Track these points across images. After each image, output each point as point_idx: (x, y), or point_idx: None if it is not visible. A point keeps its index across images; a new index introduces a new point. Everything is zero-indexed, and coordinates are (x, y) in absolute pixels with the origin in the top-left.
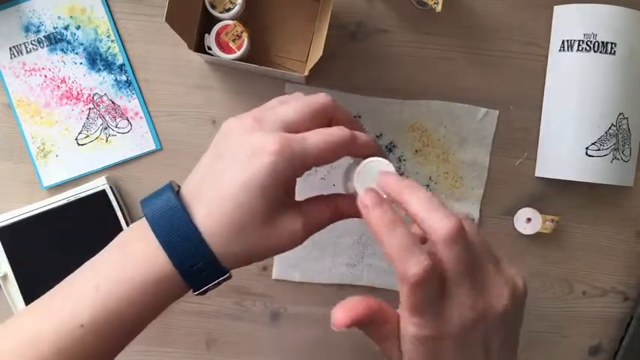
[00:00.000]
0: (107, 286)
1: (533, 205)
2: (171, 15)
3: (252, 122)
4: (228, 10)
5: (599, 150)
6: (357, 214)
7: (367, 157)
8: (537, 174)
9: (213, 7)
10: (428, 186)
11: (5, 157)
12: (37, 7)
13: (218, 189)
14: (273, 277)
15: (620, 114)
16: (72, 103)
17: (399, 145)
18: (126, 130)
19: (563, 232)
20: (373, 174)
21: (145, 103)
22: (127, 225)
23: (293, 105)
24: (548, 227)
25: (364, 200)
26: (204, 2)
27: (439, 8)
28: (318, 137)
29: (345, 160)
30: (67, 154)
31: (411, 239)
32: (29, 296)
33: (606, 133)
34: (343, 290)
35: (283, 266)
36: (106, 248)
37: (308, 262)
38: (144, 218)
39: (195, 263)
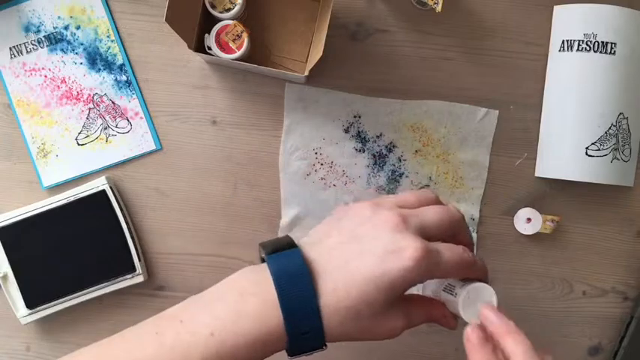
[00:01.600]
0: (221, 335)
1: (533, 205)
2: (171, 15)
3: (398, 219)
4: (228, 10)
5: (599, 150)
6: (448, 323)
7: (473, 280)
8: (537, 174)
9: (213, 7)
10: (428, 186)
11: (5, 157)
12: (37, 7)
13: (348, 272)
14: None
15: (620, 114)
16: (72, 103)
17: (399, 145)
18: (126, 130)
19: (563, 232)
20: (477, 301)
21: (145, 103)
22: (127, 225)
23: (436, 213)
24: (548, 227)
25: (470, 336)
26: (204, 2)
27: (439, 8)
28: (452, 255)
29: None
30: (67, 154)
31: None
32: (29, 296)
33: (606, 133)
34: None
35: None
36: (220, 289)
37: None
38: (263, 267)
39: (305, 332)
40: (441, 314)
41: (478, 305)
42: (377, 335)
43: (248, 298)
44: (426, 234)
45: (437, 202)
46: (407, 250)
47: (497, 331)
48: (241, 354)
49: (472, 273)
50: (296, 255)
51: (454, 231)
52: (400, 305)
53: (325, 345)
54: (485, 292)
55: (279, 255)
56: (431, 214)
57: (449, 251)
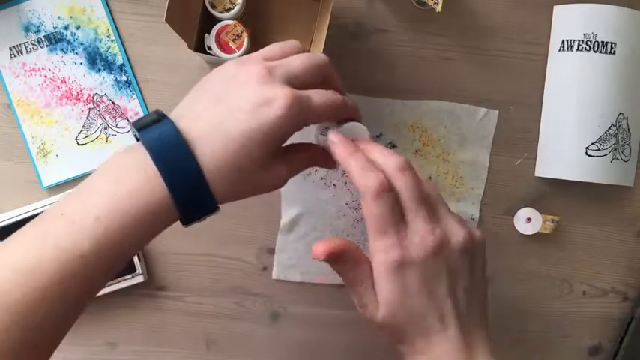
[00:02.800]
0: (107, 217)
1: (533, 205)
2: (171, 15)
3: (263, 71)
4: (228, 10)
5: (598, 150)
6: (327, 164)
7: (348, 121)
8: (537, 174)
9: (213, 7)
10: None
11: (5, 157)
12: (37, 7)
13: (222, 133)
14: (273, 277)
15: (620, 114)
16: (72, 103)
17: (399, 145)
18: (126, 130)
19: (563, 232)
20: (350, 136)
21: (145, 103)
22: None
23: (301, 60)
24: (548, 227)
25: (333, 138)
26: (204, 2)
27: (439, 8)
28: (322, 98)
29: None
30: (67, 154)
31: (369, 162)
32: None
33: (606, 133)
34: (343, 290)
35: (283, 266)
36: (97, 173)
37: (308, 262)
38: (138, 144)
39: (192, 196)
40: (321, 156)
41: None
42: (264, 188)
43: (127, 175)
44: (294, 82)
45: (302, 51)
46: (276, 100)
47: (364, 146)
48: (132, 231)
49: (345, 114)
50: (167, 125)
51: (322, 77)
52: (281, 155)
53: (217, 208)
54: (359, 130)
55: (151, 128)
56: (297, 63)
57: (318, 95)
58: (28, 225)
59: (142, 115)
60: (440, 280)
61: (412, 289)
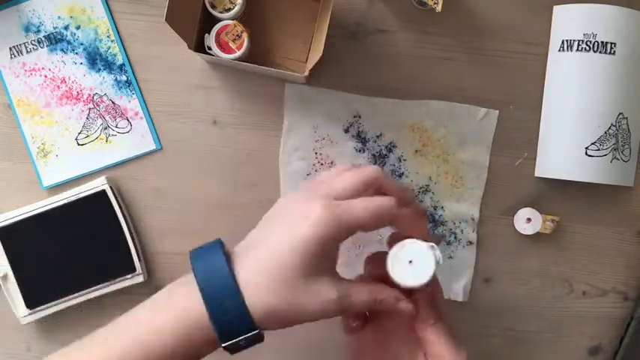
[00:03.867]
0: (141, 337)
1: (533, 205)
2: (171, 15)
3: (307, 194)
4: (228, 10)
5: (598, 150)
6: (399, 309)
7: (410, 234)
8: (537, 174)
9: (213, 7)
10: (428, 186)
11: (5, 157)
12: (37, 7)
13: (264, 247)
14: None
15: (620, 114)
16: (72, 103)
17: (399, 145)
18: (126, 130)
19: (563, 232)
20: (408, 258)
21: (145, 103)
22: (127, 225)
23: (347, 175)
24: (548, 227)
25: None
26: (204, 2)
27: (439, 8)
28: (362, 204)
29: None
30: (67, 154)
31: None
32: (29, 296)
33: (606, 133)
34: None
35: None
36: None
37: None
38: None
39: (227, 311)
40: (387, 293)
41: (415, 265)
42: (308, 308)
43: (174, 292)
44: (339, 197)
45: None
46: (313, 211)
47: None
48: (167, 352)
49: (401, 221)
50: (215, 245)
51: (373, 187)
52: (332, 277)
53: (259, 332)
54: (420, 251)
55: (201, 248)
56: (341, 178)
57: (361, 201)
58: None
59: (141, 115)
60: None
61: None
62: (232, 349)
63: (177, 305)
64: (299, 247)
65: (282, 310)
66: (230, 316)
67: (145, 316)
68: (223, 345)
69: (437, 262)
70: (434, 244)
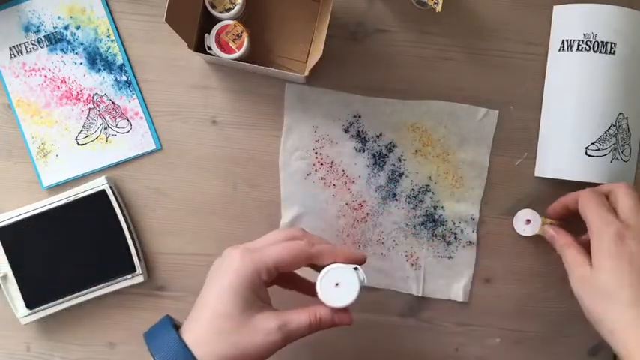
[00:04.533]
0: None
1: (532, 205)
2: (171, 15)
3: (231, 248)
4: (228, 10)
5: (598, 150)
6: (341, 321)
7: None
8: (537, 174)
9: (213, 7)
10: (428, 186)
11: (5, 157)
12: (37, 7)
13: (202, 305)
14: None
15: (620, 114)
16: (72, 103)
17: (399, 145)
18: (126, 130)
19: None
20: (334, 280)
21: (145, 103)
22: (127, 225)
23: (268, 234)
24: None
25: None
26: (204, 2)
27: (439, 8)
28: (276, 247)
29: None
30: (67, 154)
31: None
32: (29, 296)
33: (606, 133)
34: None
35: None
36: None
37: None
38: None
39: None
40: (323, 310)
41: (341, 287)
42: (255, 343)
43: None
44: (258, 248)
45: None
46: (233, 261)
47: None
48: None
49: (319, 260)
50: (165, 321)
51: (295, 238)
52: (268, 310)
53: None
54: (344, 273)
55: (153, 327)
56: (263, 237)
57: (275, 246)
58: None
59: (141, 115)
60: None
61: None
62: None
63: None
64: (226, 294)
65: (232, 354)
66: None
67: None
68: None
69: (361, 282)
70: (357, 266)
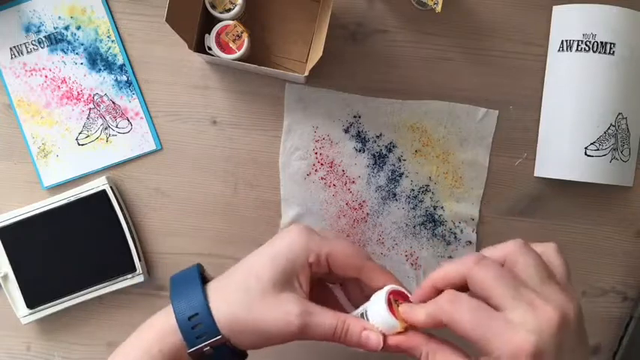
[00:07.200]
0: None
1: (532, 205)
2: (172, 15)
3: (301, 225)
4: (229, 10)
5: (598, 150)
6: (358, 340)
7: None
8: (537, 174)
9: (214, 7)
10: (428, 186)
11: (5, 157)
12: (37, 7)
13: (242, 263)
14: None
15: (619, 114)
16: (72, 103)
17: (399, 145)
18: (126, 130)
19: (564, 232)
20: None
21: (146, 103)
22: (127, 224)
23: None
24: None
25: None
26: (204, 2)
27: (439, 8)
28: (337, 240)
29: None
30: (67, 154)
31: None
32: (29, 296)
33: (605, 133)
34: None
35: None
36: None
37: None
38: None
39: (192, 315)
40: (354, 321)
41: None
42: (269, 319)
43: (155, 316)
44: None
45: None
46: (291, 233)
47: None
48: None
49: (366, 276)
50: (193, 269)
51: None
52: (299, 296)
53: (221, 336)
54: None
55: (181, 272)
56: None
57: (338, 241)
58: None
59: (142, 115)
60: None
61: None
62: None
63: (157, 323)
64: (268, 260)
65: (243, 317)
66: (194, 321)
67: (134, 337)
68: (189, 351)
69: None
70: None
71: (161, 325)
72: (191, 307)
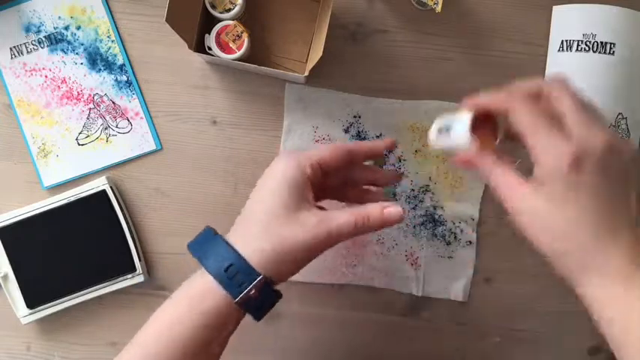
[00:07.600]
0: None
1: None
2: (172, 15)
3: (290, 153)
4: (229, 10)
5: None
6: (382, 221)
7: (372, 158)
8: None
9: (214, 7)
10: (428, 186)
11: (5, 157)
12: (37, 8)
13: (248, 208)
14: None
15: (619, 114)
16: (72, 103)
17: (399, 145)
18: (126, 130)
19: None
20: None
21: (145, 103)
22: (127, 224)
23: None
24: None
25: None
26: (204, 2)
27: (439, 8)
28: (320, 148)
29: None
30: (67, 154)
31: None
32: (29, 296)
33: None
34: (343, 290)
35: None
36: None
37: None
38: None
39: (227, 266)
40: (371, 206)
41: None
42: (298, 237)
43: (188, 283)
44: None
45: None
46: (281, 162)
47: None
48: (178, 330)
49: (359, 156)
50: (206, 229)
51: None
52: (312, 208)
53: (263, 277)
54: (457, 120)
55: (196, 237)
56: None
57: (321, 147)
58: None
59: (142, 115)
60: (618, 182)
61: (588, 188)
62: (254, 310)
63: (191, 292)
64: (273, 194)
65: (272, 247)
66: (232, 272)
67: (168, 303)
68: (236, 301)
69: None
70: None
71: (196, 291)
72: (224, 259)
